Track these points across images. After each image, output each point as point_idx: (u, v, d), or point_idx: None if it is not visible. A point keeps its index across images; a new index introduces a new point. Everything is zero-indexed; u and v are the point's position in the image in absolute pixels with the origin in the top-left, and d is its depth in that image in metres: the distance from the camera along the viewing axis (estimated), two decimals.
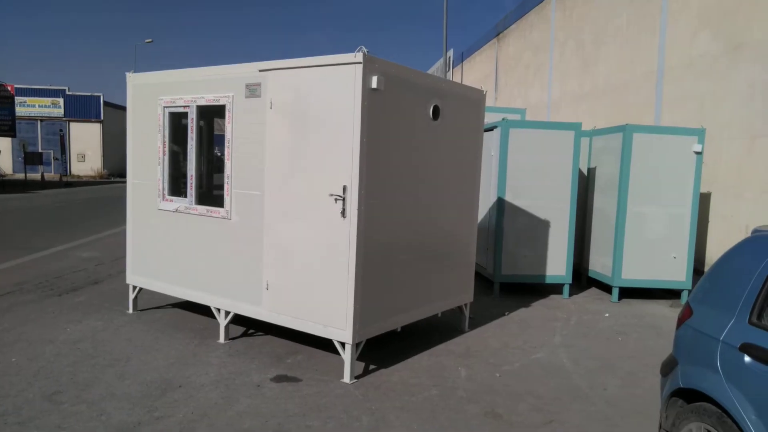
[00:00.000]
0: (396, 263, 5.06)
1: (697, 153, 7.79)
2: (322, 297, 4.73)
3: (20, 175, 38.47)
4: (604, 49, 13.66)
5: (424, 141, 5.28)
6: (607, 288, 8.45)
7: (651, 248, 7.90)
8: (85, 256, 9.87)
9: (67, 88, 47.26)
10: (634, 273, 7.92)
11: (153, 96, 5.99)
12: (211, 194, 6.30)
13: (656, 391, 4.58)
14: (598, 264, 8.44)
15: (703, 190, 9.12)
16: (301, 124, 4.80)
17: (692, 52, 10.16)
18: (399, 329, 5.26)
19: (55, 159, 42.52)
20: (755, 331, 2.73)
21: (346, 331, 4.60)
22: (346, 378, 4.65)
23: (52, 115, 46.67)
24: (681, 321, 3.38)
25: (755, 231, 3.26)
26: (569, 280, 8.09)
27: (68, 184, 33.69)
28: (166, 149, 5.96)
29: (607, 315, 7.21)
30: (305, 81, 4.76)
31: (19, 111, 41.23)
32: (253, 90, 5.15)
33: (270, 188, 5.04)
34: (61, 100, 47.02)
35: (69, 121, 46.97)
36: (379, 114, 4.64)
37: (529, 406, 4.35)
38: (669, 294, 8.43)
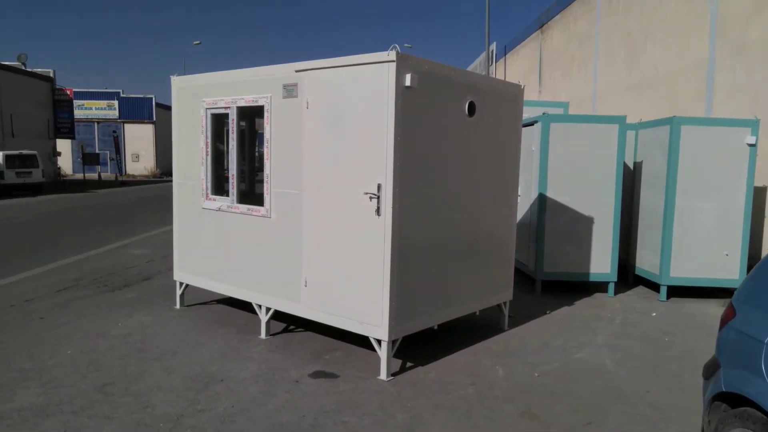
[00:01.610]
0: (432, 261, 5.06)
1: (751, 145, 7.45)
2: (358, 294, 4.78)
3: (79, 175, 40.25)
4: (651, 38, 13.20)
5: (460, 138, 5.25)
6: (655, 286, 8.19)
7: (701, 245, 7.62)
8: (137, 253, 10.27)
9: (121, 91, 49.15)
10: (683, 271, 7.65)
11: (196, 98, 6.17)
12: (253, 193, 6.45)
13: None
14: (646, 261, 8.20)
15: (758, 183, 8.71)
16: (336, 123, 4.86)
17: (746, 38, 9.70)
18: (436, 327, 5.26)
19: (111, 159, 44.26)
20: None
21: (381, 328, 4.64)
22: (383, 375, 4.69)
23: (108, 117, 48.62)
24: (724, 322, 3.26)
25: None
26: (615, 278, 7.89)
27: (123, 183, 35.09)
28: (209, 150, 6.14)
29: (654, 314, 7.00)
30: (339, 80, 4.82)
31: (78, 114, 43.13)
32: (290, 90, 5.24)
33: (307, 187, 5.13)
34: (116, 103, 48.94)
35: (123, 122, 48.84)
36: (413, 112, 4.65)
37: (567, 407, 4.28)
38: (721, 293, 8.09)
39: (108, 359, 4.99)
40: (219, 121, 6.16)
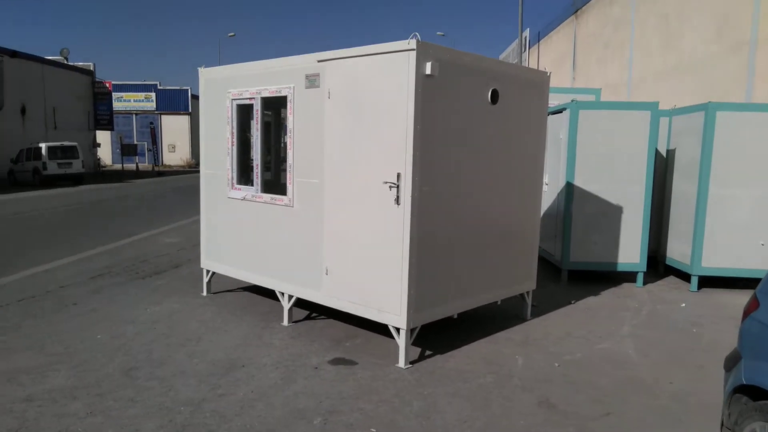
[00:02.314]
0: (452, 250, 5.05)
1: None
2: (377, 282, 4.81)
3: (118, 166, 41.38)
4: (688, 22, 12.77)
5: (482, 126, 5.20)
6: (686, 277, 7.99)
7: (735, 234, 7.38)
8: (169, 242, 10.53)
9: (158, 83, 50.21)
10: (715, 261, 7.44)
11: (222, 89, 6.27)
12: (278, 183, 6.53)
13: None
14: (677, 251, 7.99)
15: None
16: (357, 112, 4.87)
17: None
18: (456, 316, 5.25)
19: (149, 150, 45.33)
20: None
21: (400, 316, 4.67)
22: (401, 363, 4.72)
23: (145, 109, 49.77)
24: (746, 313, 3.17)
25: None
26: (644, 267, 7.72)
27: (160, 174, 35.93)
28: (235, 140, 6.23)
29: (684, 305, 6.83)
30: (360, 70, 4.82)
31: (116, 106, 44.29)
32: (312, 80, 5.28)
33: (329, 176, 5.17)
34: (153, 95, 50.03)
35: (160, 114, 49.92)
36: (433, 100, 4.63)
37: (587, 397, 4.24)
38: (754, 284, 7.83)
39: (135, 344, 5.15)
40: (245, 112, 6.24)
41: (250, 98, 5.93)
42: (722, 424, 3.18)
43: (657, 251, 8.62)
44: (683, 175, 7.95)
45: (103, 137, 42.36)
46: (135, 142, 45.23)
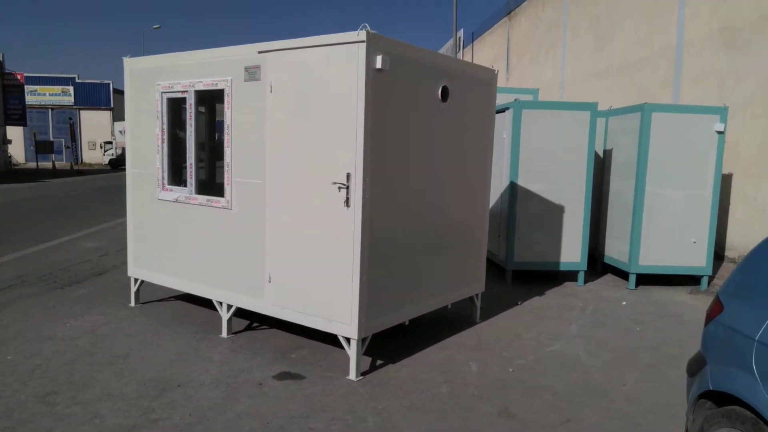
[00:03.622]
0: (403, 254, 4.83)
1: (720, 132, 7.44)
2: (326, 290, 4.51)
3: (32, 164, 38.64)
4: (619, 25, 13.19)
5: (433, 124, 5.00)
6: (623, 274, 8.16)
7: (670, 233, 7.60)
8: (91, 246, 9.75)
9: (76, 76, 47.33)
10: (652, 259, 7.63)
11: (151, 81, 5.76)
12: (213, 183, 6.08)
13: (678, 386, 4.34)
14: (615, 250, 8.15)
15: (725, 171, 8.75)
16: (303, 108, 4.55)
17: (713, 24, 9.71)
18: (407, 322, 5.04)
19: (67, 147, 42.67)
20: None
21: (351, 326, 4.39)
22: (352, 375, 4.45)
23: (63, 104, 46.79)
24: (710, 317, 3.11)
25: None
26: (584, 266, 7.82)
27: (79, 173, 33.77)
28: (165, 137, 5.74)
29: (625, 303, 6.94)
30: (306, 62, 4.50)
31: (30, 100, 41.36)
32: (252, 73, 4.90)
33: (271, 176, 4.81)
34: (71, 88, 47.11)
35: (79, 109, 47.09)
36: (384, 96, 4.38)
37: (545, 404, 4.13)
38: (688, 280, 8.13)
39: (53, 365, 4.60)
40: (176, 106, 5.76)
41: (183, 91, 5.47)
42: (686, 430, 3.12)
43: (595, 250, 8.78)
44: (620, 175, 8.11)
45: (15, 133, 39.45)
46: (51, 139, 42.45)
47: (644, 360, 5.06)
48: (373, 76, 4.22)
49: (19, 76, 35.07)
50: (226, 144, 5.15)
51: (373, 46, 4.19)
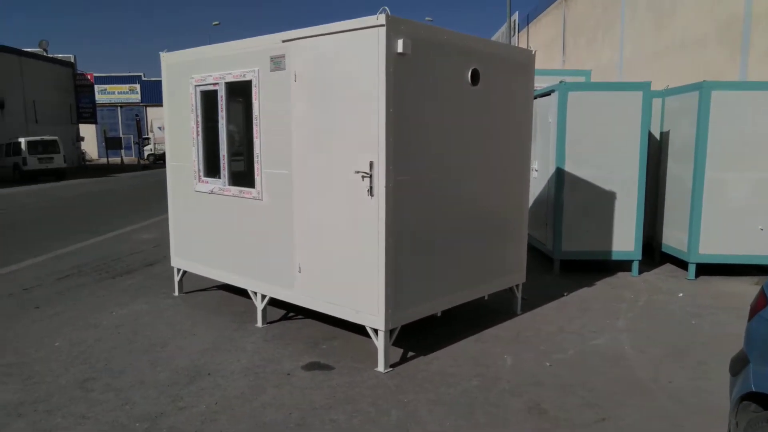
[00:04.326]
0: (433, 244, 4.69)
1: None
2: (353, 280, 4.45)
3: (103, 160, 40.71)
4: None
5: (463, 109, 4.82)
6: (683, 264, 7.67)
7: (733, 219, 7.06)
8: (146, 238, 10.12)
9: (142, 74, 49.36)
10: (713, 247, 7.12)
11: (185, 75, 5.85)
12: (248, 174, 6.13)
13: None
14: (673, 238, 7.67)
15: None
16: (325, 96, 4.48)
17: None
18: (439, 314, 4.90)
19: (135, 143, 44.65)
20: None
21: (378, 316, 4.31)
22: (380, 367, 4.37)
23: (130, 101, 48.97)
24: (754, 311, 2.82)
25: None
26: (639, 256, 7.40)
27: (145, 167, 35.28)
28: (200, 129, 5.82)
29: (681, 295, 6.52)
30: (326, 49, 4.42)
31: (100, 98, 43.53)
32: (277, 62, 4.87)
33: (297, 166, 4.78)
34: (137, 86, 49.21)
35: (146, 106, 49.13)
36: (407, 81, 4.24)
37: (580, 401, 3.91)
38: (754, 270, 7.55)
39: (95, 352, 4.77)
40: (210, 99, 5.82)
41: (214, 84, 5.52)
42: None
43: (653, 238, 8.30)
44: (678, 159, 7.61)
45: (88, 131, 41.64)
46: (120, 135, 44.50)
47: (696, 356, 4.71)
48: (394, 61, 4.09)
49: (89, 77, 36.96)
50: (255, 135, 5.16)
51: (393, 29, 4.05)
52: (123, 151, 39.12)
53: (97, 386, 4.12)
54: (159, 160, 38.16)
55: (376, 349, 4.50)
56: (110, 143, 36.07)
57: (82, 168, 34.37)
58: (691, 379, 4.28)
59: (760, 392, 2.56)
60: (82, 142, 37.50)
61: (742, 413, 2.74)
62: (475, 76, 4.84)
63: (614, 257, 7.46)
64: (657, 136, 8.23)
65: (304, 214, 4.76)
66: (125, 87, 48.62)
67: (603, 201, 7.39)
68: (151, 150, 41.00)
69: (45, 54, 34.65)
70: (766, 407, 2.61)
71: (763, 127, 6.90)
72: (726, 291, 6.69)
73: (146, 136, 43.59)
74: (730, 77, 10.20)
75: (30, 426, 3.56)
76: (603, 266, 7.87)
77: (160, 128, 40.28)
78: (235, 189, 5.45)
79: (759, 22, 9.59)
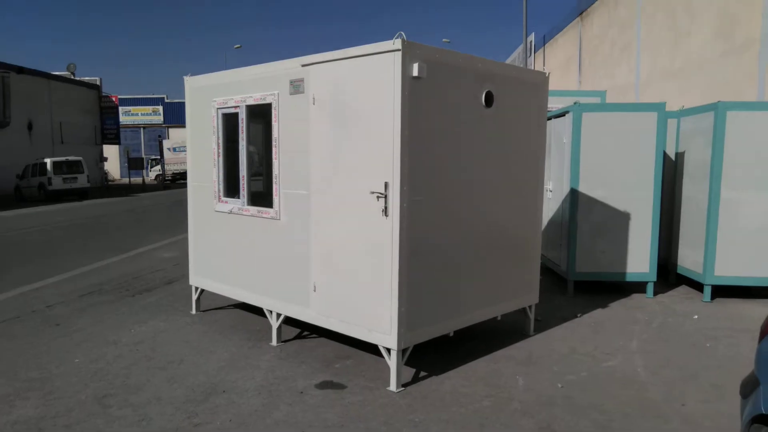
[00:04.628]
0: (446, 264, 4.75)
1: None
2: (366, 299, 4.52)
3: (125, 180, 41.48)
4: (697, 18, 12.42)
5: (476, 130, 4.91)
6: (698, 286, 7.61)
7: (750, 240, 7.00)
8: (166, 257, 10.30)
9: (165, 96, 50.45)
10: (729, 269, 7.05)
11: (208, 98, 6.03)
12: (266, 195, 6.26)
13: None
14: (688, 259, 7.62)
15: None
16: (342, 118, 4.60)
17: None
18: (451, 334, 4.94)
19: (157, 163, 45.46)
20: None
21: (390, 336, 4.36)
22: (393, 386, 4.41)
23: (153, 122, 49.99)
24: (764, 333, 2.84)
25: None
26: (654, 277, 7.35)
27: (166, 187, 35.87)
28: (221, 151, 5.98)
29: (696, 317, 6.46)
30: (344, 73, 4.55)
31: (124, 120, 44.52)
32: (296, 86, 5.02)
33: (315, 187, 4.89)
34: (160, 108, 50.27)
35: (168, 127, 50.12)
36: (422, 104, 4.35)
37: (592, 423, 3.90)
38: None
39: (114, 368, 4.88)
40: (231, 121, 5.99)
41: (235, 107, 5.69)
42: None
43: (668, 259, 8.25)
44: (693, 179, 7.60)
45: (111, 151, 42.51)
46: (143, 156, 45.37)
47: (710, 379, 4.68)
48: (410, 84, 4.21)
49: (114, 99, 37.89)
50: (274, 156, 5.29)
51: (409, 54, 4.17)
52: (145, 171, 39.84)
53: (115, 402, 4.22)
54: (167, 180, 39.60)
55: (388, 368, 4.54)
56: (132, 164, 36.79)
57: (104, 188, 35.06)
58: (705, 402, 4.25)
59: None
60: (105, 163, 38.30)
61: None
62: (489, 98, 4.93)
63: (629, 278, 7.42)
64: (672, 156, 8.22)
65: (321, 233, 4.86)
66: (149, 108, 49.72)
67: (617, 222, 7.38)
68: (158, 171, 41.67)
69: (72, 77, 35.65)
70: None
71: None
72: (742, 313, 6.62)
73: (154, 157, 44.36)
74: (748, 97, 10.17)
75: None
76: (617, 287, 7.83)
77: (170, 149, 41.24)
78: (253, 209, 5.58)
79: None
